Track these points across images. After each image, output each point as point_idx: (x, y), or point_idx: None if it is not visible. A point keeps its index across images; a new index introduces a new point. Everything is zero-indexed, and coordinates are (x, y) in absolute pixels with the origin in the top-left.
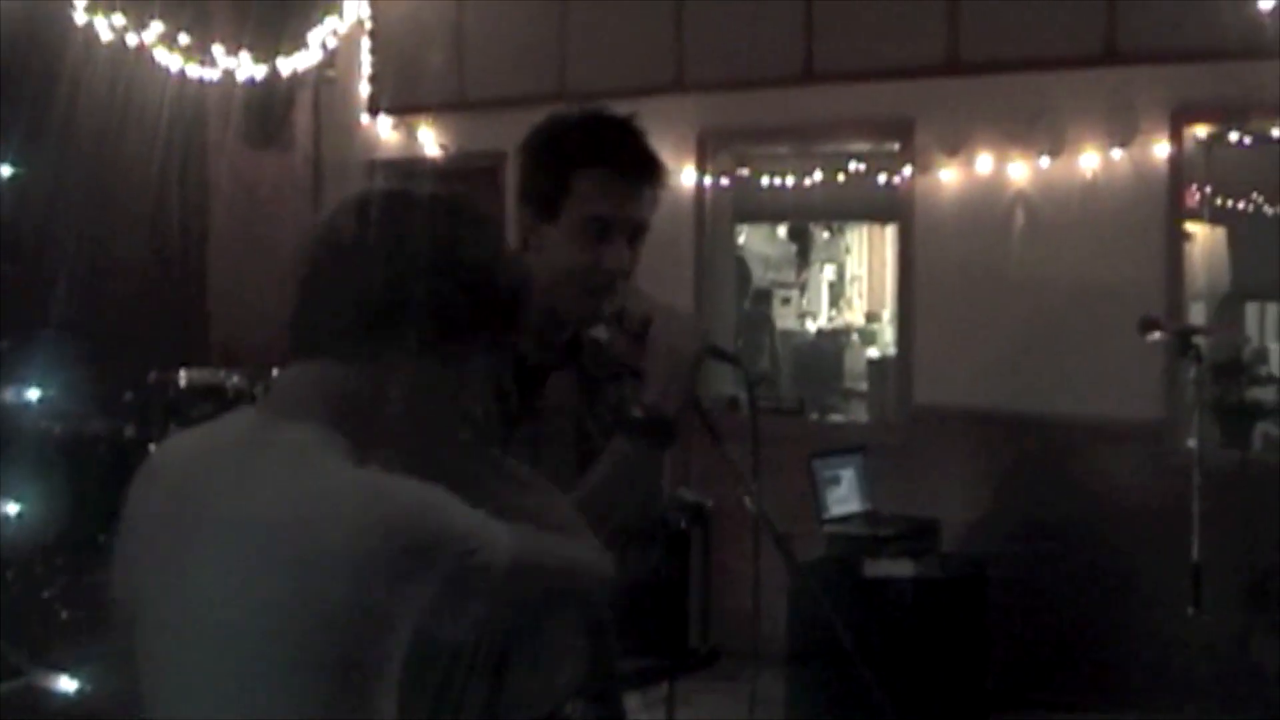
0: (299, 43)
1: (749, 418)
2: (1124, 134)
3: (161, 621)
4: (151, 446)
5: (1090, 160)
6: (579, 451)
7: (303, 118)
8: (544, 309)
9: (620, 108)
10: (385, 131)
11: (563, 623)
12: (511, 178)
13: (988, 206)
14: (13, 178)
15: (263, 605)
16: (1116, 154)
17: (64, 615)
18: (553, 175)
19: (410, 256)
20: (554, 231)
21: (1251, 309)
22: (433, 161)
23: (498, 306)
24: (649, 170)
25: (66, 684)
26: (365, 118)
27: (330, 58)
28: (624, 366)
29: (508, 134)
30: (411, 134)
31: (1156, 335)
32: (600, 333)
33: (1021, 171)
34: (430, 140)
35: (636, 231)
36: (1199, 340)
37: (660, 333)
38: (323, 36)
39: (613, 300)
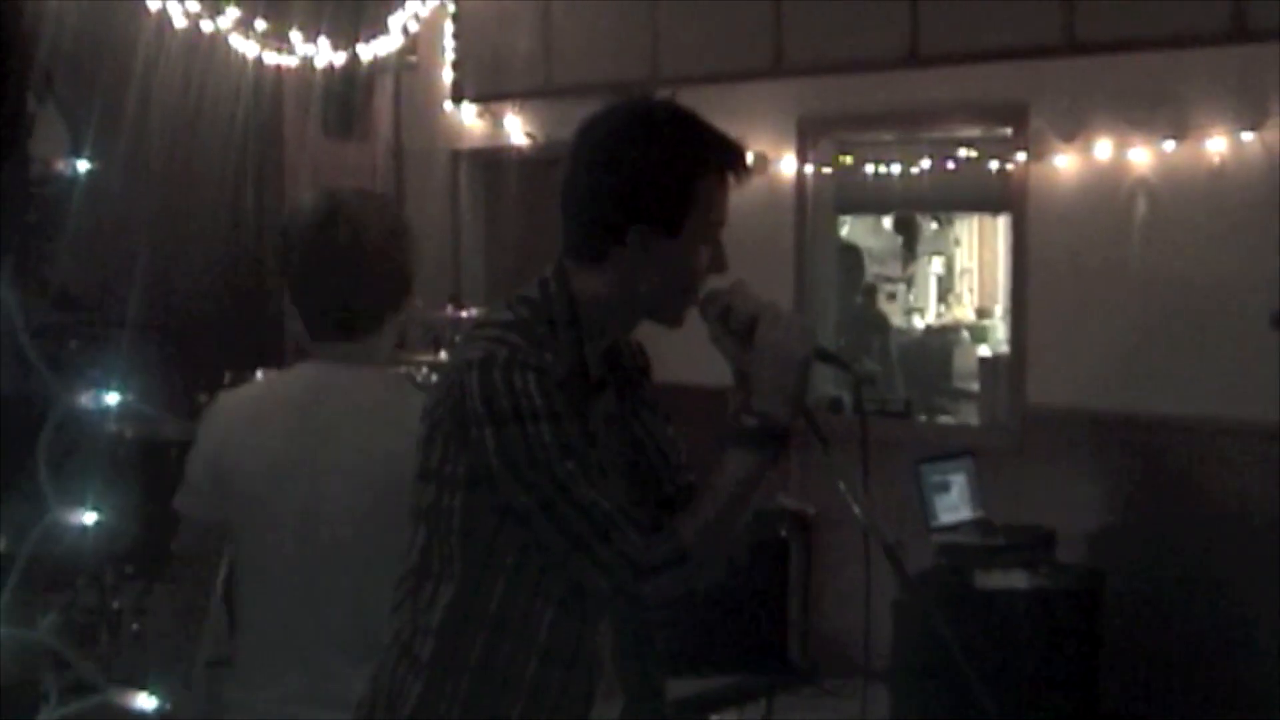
0: (379, 28)
1: (856, 421)
2: (1254, 116)
3: (294, 511)
4: None
5: (1217, 144)
6: (635, 468)
7: (383, 106)
8: (621, 317)
9: (717, 95)
10: (469, 119)
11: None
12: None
13: (1107, 195)
14: (89, 173)
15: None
16: (1246, 137)
17: (134, 627)
18: (678, 189)
19: None
20: (675, 244)
21: None
22: (519, 150)
23: None
24: (749, 170)
25: (145, 702)
26: (449, 105)
27: (412, 43)
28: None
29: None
30: (497, 122)
31: None
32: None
33: (1143, 157)
34: (516, 128)
35: None
36: None
37: (768, 334)
38: (404, 21)
39: (712, 299)
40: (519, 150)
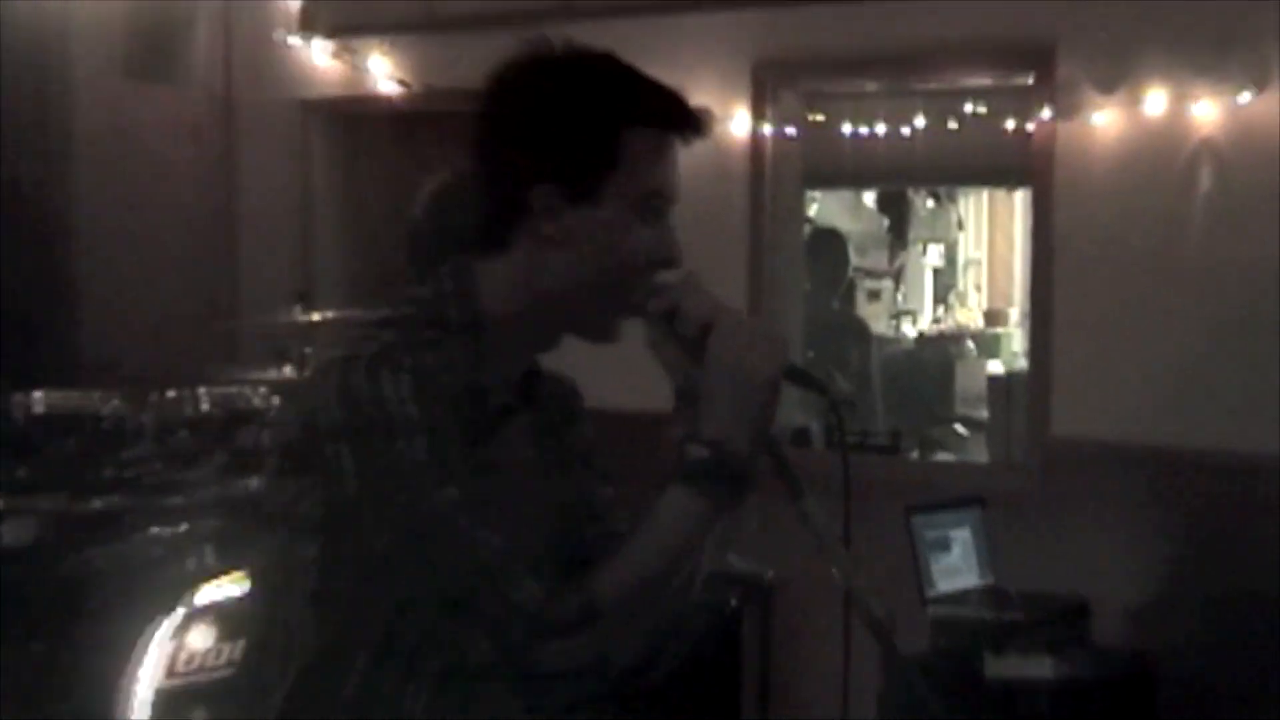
0: None
1: (830, 458)
2: None
3: None
4: None
5: None
6: (546, 525)
7: (208, 41)
8: (535, 328)
9: (645, 31)
10: (322, 60)
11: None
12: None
13: (1160, 164)
14: None
15: None
16: None
17: None
18: (594, 139)
19: None
20: (591, 216)
21: None
22: (389, 101)
23: None
24: (700, 127)
25: None
26: (294, 40)
27: None
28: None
29: (491, 66)
30: (359, 64)
31: None
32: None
33: (1209, 113)
34: (385, 72)
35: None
36: None
37: (726, 345)
38: None
39: (657, 295)
40: (389, 100)
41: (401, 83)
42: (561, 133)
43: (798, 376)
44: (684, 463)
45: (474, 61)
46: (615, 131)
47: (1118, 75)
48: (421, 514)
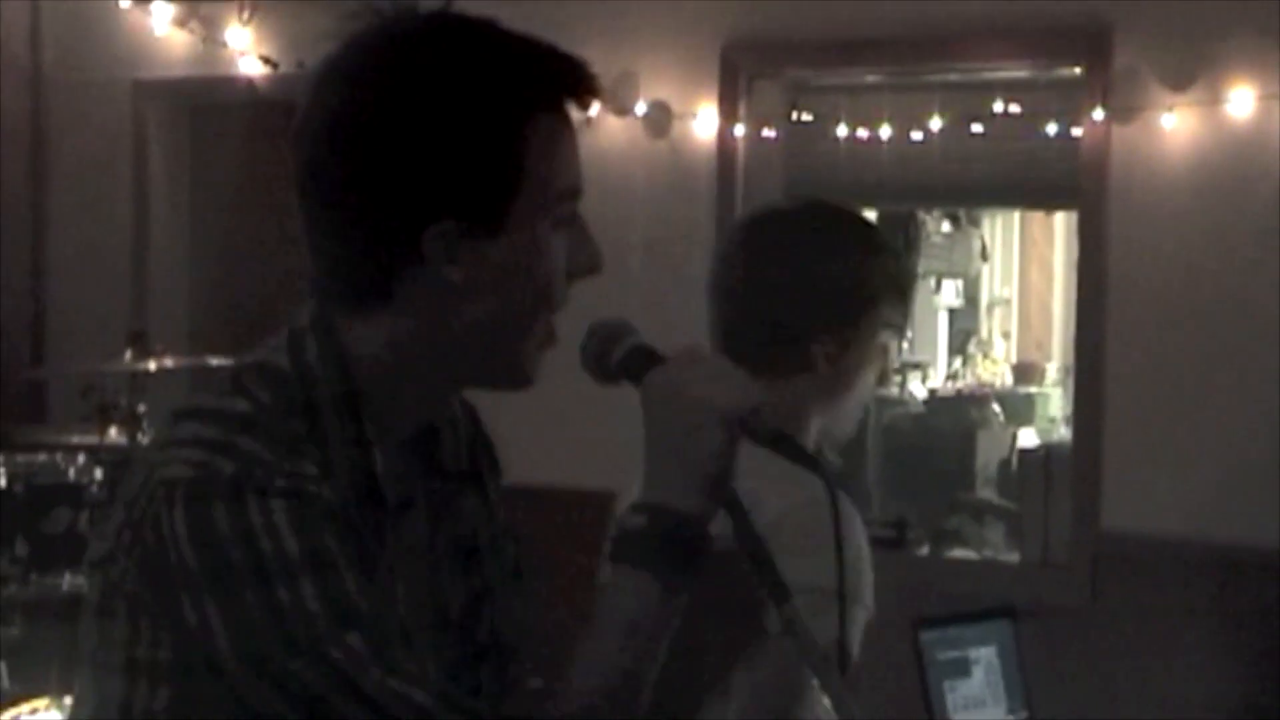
0: None
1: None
2: None
3: None
4: None
5: None
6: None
7: (11, 7)
8: (429, 389)
9: (584, 6)
10: (162, 28)
11: None
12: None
13: (1246, 177)
14: None
15: None
16: None
17: None
18: (495, 153)
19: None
20: (503, 243)
21: None
22: (250, 84)
23: None
24: (596, 88)
25: None
26: (126, 3)
27: None
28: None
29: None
30: (211, 37)
31: None
32: None
33: None
34: (246, 47)
35: None
36: None
37: (670, 379)
38: None
39: (594, 332)
40: (250, 83)
41: (266, 61)
42: (454, 150)
43: (777, 441)
44: (620, 536)
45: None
46: (519, 132)
47: (1191, 66)
48: (319, 674)
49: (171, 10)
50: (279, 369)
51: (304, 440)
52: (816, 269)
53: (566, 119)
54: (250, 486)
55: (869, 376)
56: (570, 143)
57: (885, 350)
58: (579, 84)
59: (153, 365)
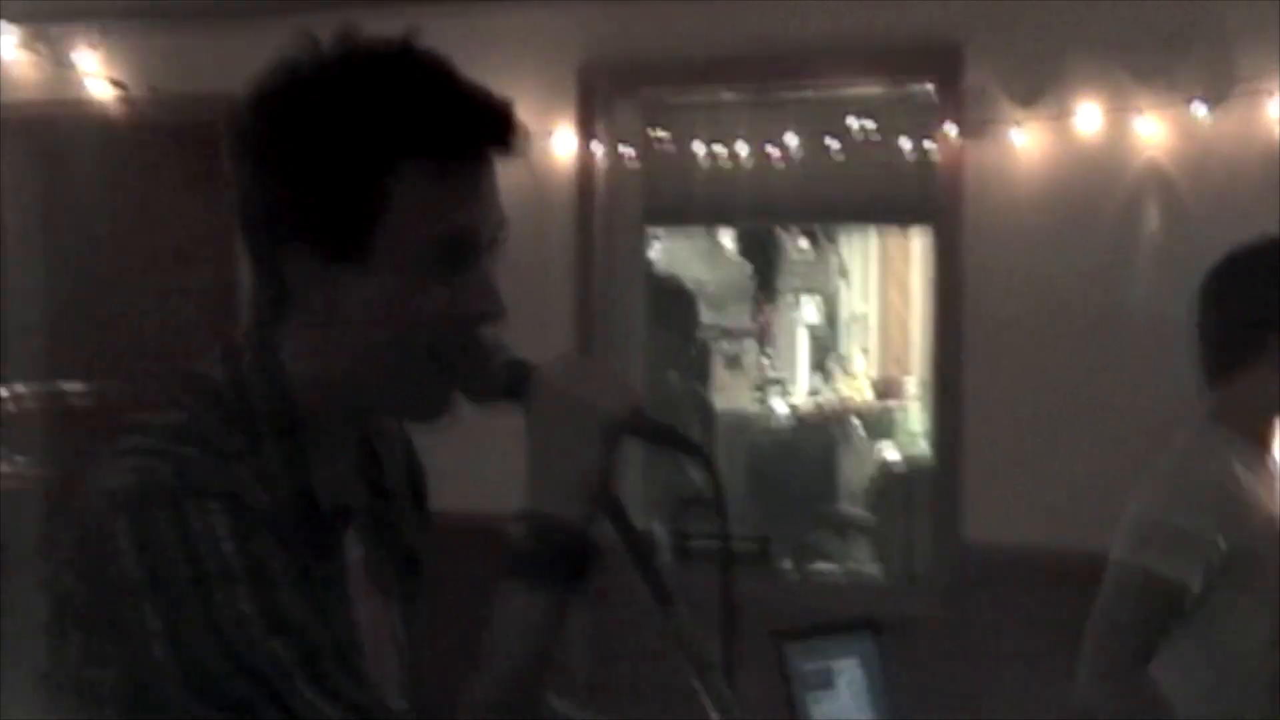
0: None
1: (690, 566)
2: None
3: None
4: None
5: None
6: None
7: None
8: (350, 407)
9: (444, 26)
10: (9, 54)
11: None
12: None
13: (1095, 193)
14: None
15: None
16: None
17: None
18: (349, 184)
19: None
20: (360, 279)
21: None
22: (102, 109)
23: None
24: (509, 145)
25: None
26: None
27: None
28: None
29: (235, 64)
30: (59, 60)
31: None
32: None
33: (1155, 131)
34: (96, 71)
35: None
36: None
37: (545, 386)
38: None
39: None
40: (102, 109)
41: (117, 84)
42: (302, 174)
43: (662, 435)
44: (506, 552)
45: (213, 60)
46: (377, 170)
47: (1040, 83)
48: (245, 676)
49: (19, 32)
50: (214, 381)
51: (241, 451)
52: None
53: (467, 165)
54: (190, 492)
55: None
56: (460, 187)
57: None
58: (482, 128)
59: (3, 392)
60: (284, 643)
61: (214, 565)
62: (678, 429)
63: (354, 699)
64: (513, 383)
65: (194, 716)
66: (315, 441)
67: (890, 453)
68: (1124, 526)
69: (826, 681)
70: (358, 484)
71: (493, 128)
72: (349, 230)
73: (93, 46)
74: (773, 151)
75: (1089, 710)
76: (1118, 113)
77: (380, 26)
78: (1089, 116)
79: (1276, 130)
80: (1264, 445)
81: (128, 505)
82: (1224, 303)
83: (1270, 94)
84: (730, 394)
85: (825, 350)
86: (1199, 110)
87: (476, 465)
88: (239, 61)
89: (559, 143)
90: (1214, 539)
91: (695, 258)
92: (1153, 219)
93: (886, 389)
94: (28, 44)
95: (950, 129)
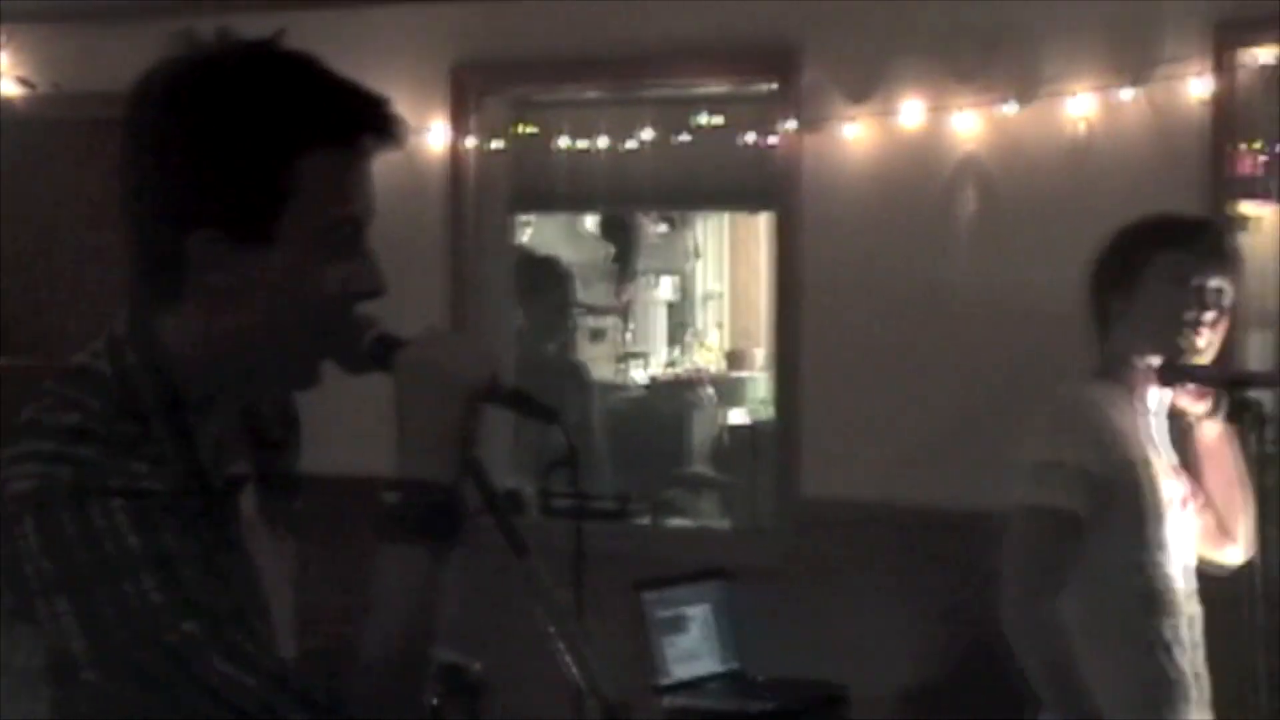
0: None
1: (555, 523)
2: (1138, 63)
3: None
4: None
5: (1082, 106)
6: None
7: None
8: (232, 382)
9: (321, 28)
10: None
11: None
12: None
13: (918, 181)
14: None
15: None
16: (1126, 95)
17: None
18: (258, 172)
19: None
20: (263, 259)
21: None
22: (10, 105)
23: None
24: (391, 135)
25: None
26: None
27: None
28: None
29: (135, 63)
30: None
31: (1187, 388)
32: None
33: (972, 125)
34: (2, 70)
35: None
36: (1258, 396)
37: (413, 357)
38: None
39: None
40: (8, 103)
41: (23, 81)
42: (216, 166)
43: (518, 401)
44: (378, 515)
45: (114, 58)
46: (285, 158)
47: (870, 82)
48: (161, 659)
49: None
50: (102, 374)
51: (134, 440)
52: None
53: (352, 153)
54: (91, 492)
55: None
56: (351, 174)
57: None
58: (370, 122)
59: None
60: (195, 623)
61: (121, 559)
62: (533, 396)
63: (264, 665)
64: (382, 354)
65: (115, 697)
66: (201, 419)
67: (739, 417)
68: (1019, 472)
69: (680, 626)
70: (242, 449)
71: (380, 118)
72: (260, 215)
73: (0, 45)
74: (630, 144)
75: (1012, 639)
76: (939, 110)
77: (254, 27)
78: (913, 112)
79: (1076, 126)
80: (1132, 392)
81: (33, 508)
82: (1094, 278)
83: (1071, 94)
84: (595, 366)
85: (682, 325)
86: (1010, 108)
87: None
88: (137, 60)
89: (433, 137)
90: (1095, 470)
91: (560, 241)
92: (969, 205)
93: (737, 360)
94: None
95: (790, 123)
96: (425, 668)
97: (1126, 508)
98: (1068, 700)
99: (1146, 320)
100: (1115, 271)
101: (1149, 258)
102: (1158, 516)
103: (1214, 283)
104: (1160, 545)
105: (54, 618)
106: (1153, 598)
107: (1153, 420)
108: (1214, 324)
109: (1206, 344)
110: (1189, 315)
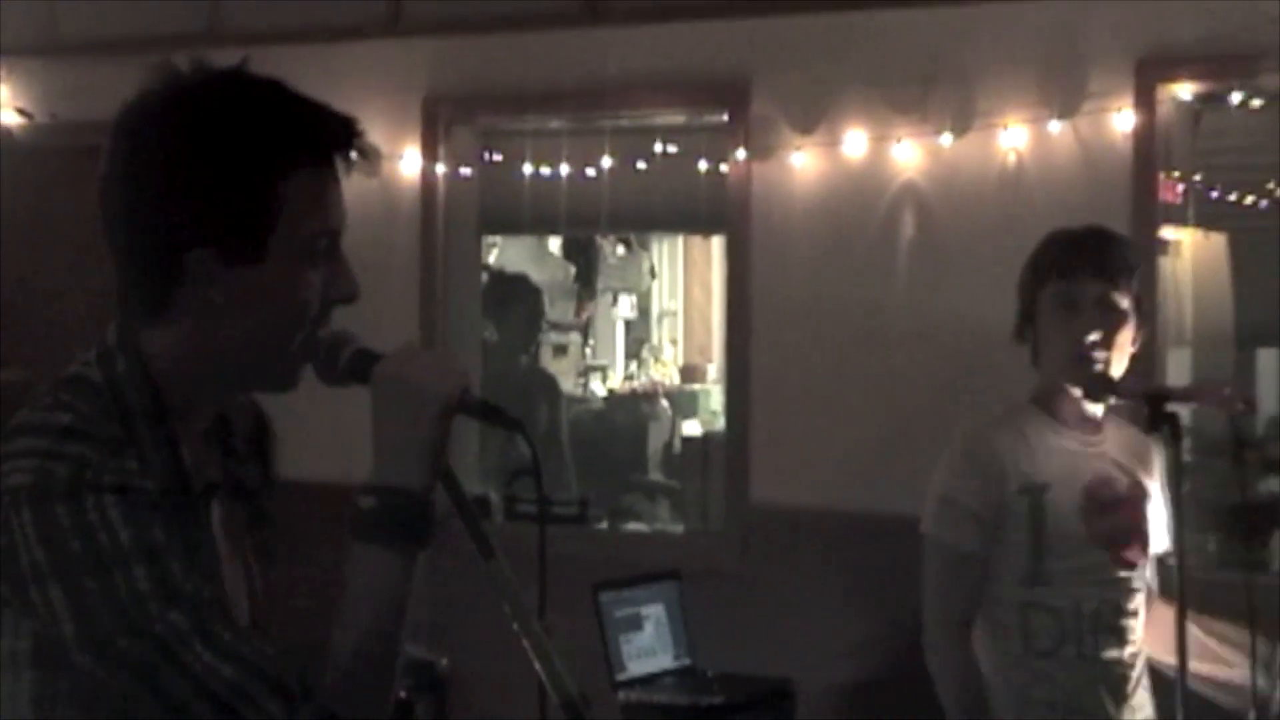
0: None
1: (520, 527)
2: (1066, 98)
3: None
4: None
5: (1015, 137)
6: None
7: None
8: (212, 388)
9: (304, 61)
10: None
11: None
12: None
13: (860, 207)
14: None
15: None
16: (1055, 127)
17: None
18: (254, 194)
19: None
20: (256, 274)
21: (1266, 357)
22: (10, 134)
23: None
24: (358, 150)
25: None
26: None
27: None
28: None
29: (125, 94)
30: None
31: (1112, 401)
32: None
33: (911, 155)
34: (5, 101)
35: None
36: (1178, 409)
37: (390, 370)
38: None
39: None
40: (10, 134)
41: (22, 112)
42: (207, 189)
43: (486, 412)
44: (354, 518)
45: (107, 90)
46: (271, 179)
47: (815, 114)
48: (148, 646)
49: None
50: (93, 382)
51: (123, 442)
52: None
53: (329, 170)
54: (85, 486)
55: None
56: (330, 190)
57: None
58: (344, 142)
59: None
60: (179, 613)
61: (112, 550)
62: (500, 407)
63: (243, 655)
64: (360, 368)
65: (102, 681)
66: (183, 424)
67: (692, 428)
68: (926, 504)
69: (636, 625)
70: (215, 455)
71: (352, 137)
72: (251, 233)
73: (3, 79)
74: (590, 171)
75: (927, 660)
76: (879, 140)
77: (254, 62)
78: (856, 143)
79: (1008, 156)
80: (1056, 418)
81: (29, 501)
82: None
83: (1003, 126)
84: (558, 378)
85: (639, 341)
86: (946, 139)
87: (331, 438)
88: (126, 91)
89: (406, 163)
90: (981, 511)
91: (526, 261)
92: (908, 230)
93: (690, 374)
94: None
95: (740, 152)
96: (394, 661)
97: (1014, 544)
98: None
99: (1052, 348)
100: (1023, 306)
101: (1034, 295)
102: (1042, 551)
103: (1094, 293)
104: (1044, 580)
105: (46, 604)
106: (1030, 635)
107: (1078, 439)
108: (1112, 335)
109: (1109, 358)
110: (1088, 339)
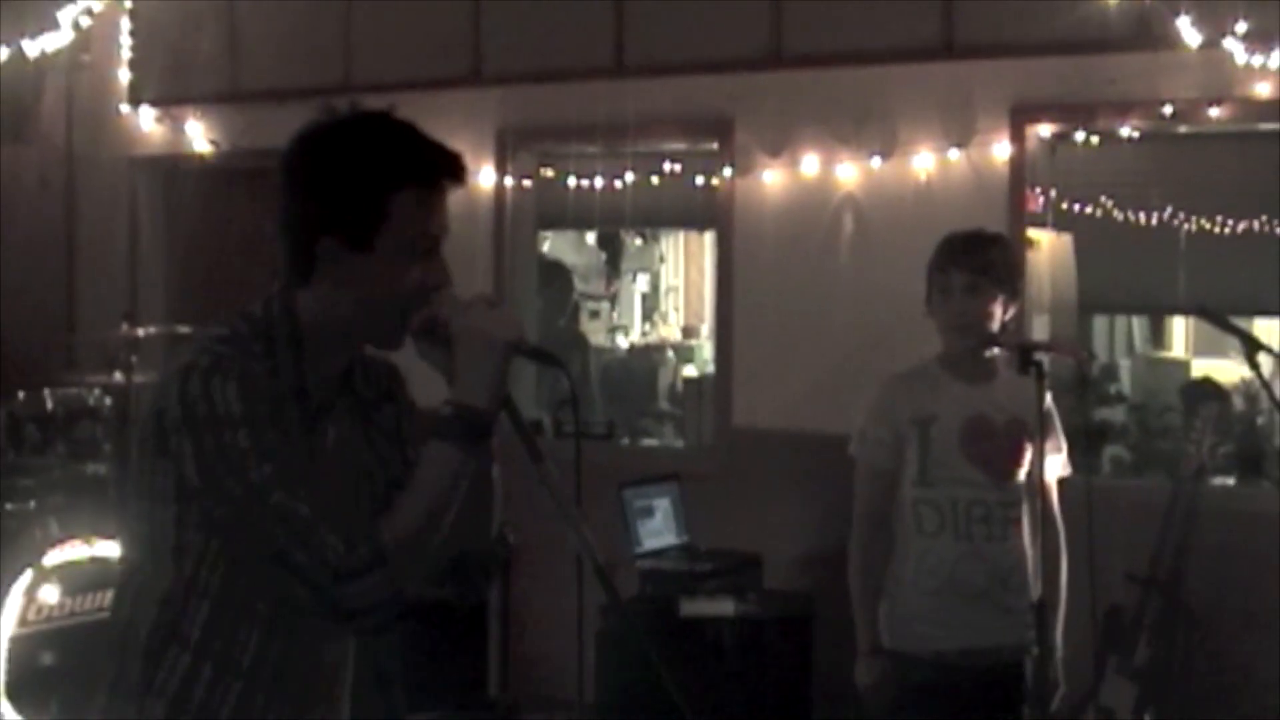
0: (47, 23)
1: (564, 442)
2: (961, 133)
3: None
4: None
5: (925, 161)
6: (361, 490)
7: (54, 108)
8: (341, 339)
9: (411, 102)
10: (147, 124)
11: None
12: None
13: (813, 211)
14: None
15: None
16: (953, 154)
17: None
18: (367, 201)
19: None
20: (368, 261)
21: (1100, 323)
22: (201, 158)
23: None
24: (462, 179)
25: None
26: (125, 108)
27: (84, 40)
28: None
29: (285, 129)
30: (177, 127)
31: (995, 352)
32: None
33: (850, 174)
34: (199, 135)
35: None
36: (1041, 357)
37: (466, 319)
38: (75, 16)
39: (419, 313)
40: (201, 158)
41: (213, 143)
42: (340, 195)
43: (537, 354)
44: (437, 421)
45: (272, 126)
46: (384, 193)
47: (781, 143)
48: (244, 489)
49: (154, 111)
50: (253, 314)
51: (260, 355)
52: None
53: (435, 189)
54: (218, 370)
55: None
56: (430, 205)
57: None
58: (448, 171)
59: (140, 332)
60: (270, 466)
61: (225, 415)
62: (550, 350)
63: (316, 504)
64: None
65: (217, 513)
66: (313, 359)
67: (690, 371)
68: (853, 435)
69: (649, 512)
70: (337, 388)
71: (454, 168)
72: (366, 230)
73: (197, 118)
74: (618, 184)
75: (850, 545)
76: (828, 163)
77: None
78: (811, 164)
79: (920, 176)
80: (951, 370)
81: (180, 374)
82: None
83: (917, 153)
84: (592, 335)
85: (651, 308)
86: (876, 162)
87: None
88: (289, 127)
89: (483, 177)
90: (887, 438)
91: (569, 249)
92: (848, 228)
93: (689, 332)
94: (159, 117)
95: (727, 171)
96: (438, 534)
97: (910, 460)
98: (859, 630)
99: (939, 320)
100: (927, 288)
101: (930, 281)
102: (928, 464)
103: (962, 281)
104: (929, 483)
105: (179, 450)
106: (921, 520)
107: (965, 387)
108: (977, 311)
109: (977, 328)
110: (957, 316)
